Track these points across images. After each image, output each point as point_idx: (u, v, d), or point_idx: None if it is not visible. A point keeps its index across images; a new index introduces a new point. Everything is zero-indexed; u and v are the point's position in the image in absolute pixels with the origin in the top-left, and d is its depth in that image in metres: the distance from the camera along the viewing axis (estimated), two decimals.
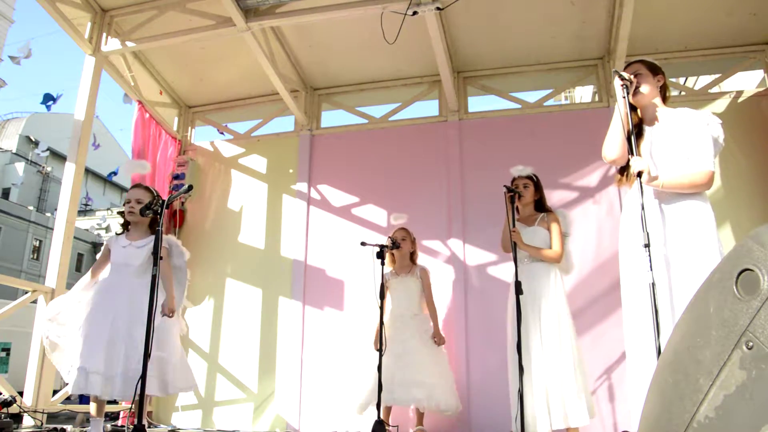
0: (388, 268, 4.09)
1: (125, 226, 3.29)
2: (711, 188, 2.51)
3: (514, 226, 3.30)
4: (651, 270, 2.23)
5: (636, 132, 2.55)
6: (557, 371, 3.16)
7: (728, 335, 1.01)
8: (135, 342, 2.81)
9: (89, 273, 3.24)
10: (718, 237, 2.41)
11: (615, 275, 4.22)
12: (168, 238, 3.30)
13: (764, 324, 0.95)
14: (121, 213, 3.30)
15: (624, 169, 2.65)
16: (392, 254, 4.10)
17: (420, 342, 3.86)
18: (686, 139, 2.51)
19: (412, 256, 4.16)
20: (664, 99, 2.68)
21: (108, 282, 3.16)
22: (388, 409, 3.81)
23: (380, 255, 3.74)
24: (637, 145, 2.53)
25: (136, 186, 3.32)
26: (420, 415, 3.84)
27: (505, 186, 3.38)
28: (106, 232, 26.71)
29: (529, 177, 3.59)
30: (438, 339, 3.92)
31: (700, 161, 2.46)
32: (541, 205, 3.62)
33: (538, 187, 3.61)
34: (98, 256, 3.33)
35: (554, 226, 3.46)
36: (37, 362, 3.79)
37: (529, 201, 3.58)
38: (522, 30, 4.62)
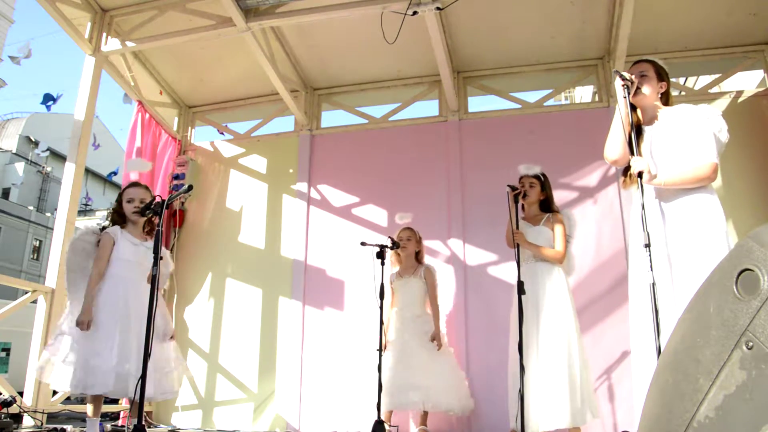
0: (396, 267, 4.09)
1: (121, 222, 3.20)
2: (715, 182, 2.49)
3: (517, 224, 3.30)
4: (651, 270, 2.23)
5: (636, 132, 2.55)
6: (556, 371, 3.16)
7: (728, 335, 1.01)
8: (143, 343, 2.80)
9: (92, 278, 3.02)
10: (727, 229, 2.37)
11: (615, 275, 4.23)
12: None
13: (764, 324, 0.95)
14: (115, 210, 3.21)
15: (627, 170, 2.65)
16: (398, 254, 4.08)
17: (419, 343, 3.81)
18: (687, 134, 2.49)
19: (418, 256, 4.12)
20: (666, 104, 2.67)
21: (117, 280, 3.06)
22: (390, 412, 3.80)
23: (380, 255, 3.73)
24: (638, 145, 2.53)
25: (136, 185, 3.28)
26: (423, 416, 3.84)
27: (508, 185, 3.38)
28: (101, 230, 26.61)
29: (536, 176, 3.55)
30: (437, 341, 3.81)
31: (702, 154, 2.43)
32: (547, 205, 3.58)
33: (544, 187, 3.57)
34: (101, 249, 3.09)
35: (558, 228, 3.45)
36: (39, 365, 3.78)
37: (534, 200, 3.55)
38: (522, 30, 4.62)
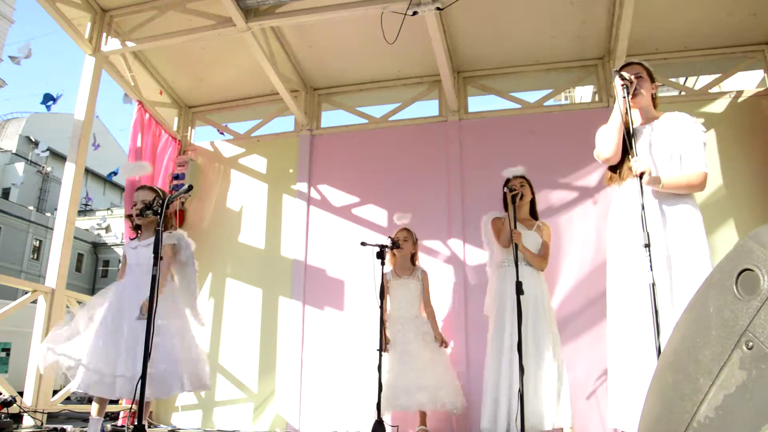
0: (388, 267, 4.09)
1: (137, 228, 3.30)
2: (708, 189, 2.54)
3: (515, 226, 3.31)
4: (651, 270, 2.23)
5: (630, 133, 2.57)
6: (549, 373, 3.24)
7: (728, 335, 1.01)
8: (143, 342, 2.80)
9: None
10: (707, 241, 2.46)
11: None
12: (176, 234, 3.28)
13: (764, 324, 0.95)
14: (129, 216, 3.31)
15: (616, 168, 2.67)
16: (393, 254, 4.09)
17: (422, 344, 3.85)
18: (680, 140, 2.55)
19: (413, 258, 4.14)
20: (654, 107, 2.73)
21: (122, 283, 3.19)
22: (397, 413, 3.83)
23: (380, 255, 3.74)
24: (633, 145, 2.55)
25: (141, 188, 3.31)
26: (423, 415, 3.84)
27: (506, 187, 3.41)
28: (106, 232, 26.74)
29: (523, 176, 3.65)
30: (442, 341, 3.91)
31: (694, 163, 2.51)
32: (533, 208, 3.73)
33: (531, 187, 3.68)
34: (120, 265, 3.41)
35: (547, 237, 3.64)
36: (37, 362, 3.79)
37: (527, 200, 3.65)
38: (522, 30, 4.62)
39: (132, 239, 3.31)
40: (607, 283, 2.60)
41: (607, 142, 2.64)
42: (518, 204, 3.52)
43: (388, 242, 3.84)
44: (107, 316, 3.00)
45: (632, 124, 2.56)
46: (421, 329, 3.92)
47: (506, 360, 3.28)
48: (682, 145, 2.55)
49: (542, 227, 3.67)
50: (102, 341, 2.91)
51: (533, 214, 3.74)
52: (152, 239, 3.04)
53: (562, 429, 3.26)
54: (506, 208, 3.54)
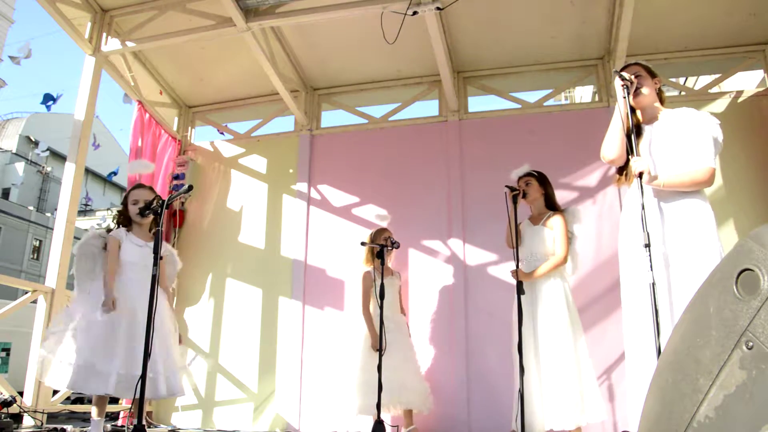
0: (366, 267, 4.11)
1: (127, 223, 3.23)
2: (712, 187, 2.50)
3: (517, 226, 3.28)
4: (651, 270, 2.23)
5: (635, 132, 2.55)
6: (554, 373, 3.17)
7: (728, 335, 1.01)
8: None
9: (107, 275, 3.01)
10: (718, 236, 2.40)
11: (615, 275, 4.21)
12: (167, 248, 3.29)
13: (764, 324, 0.95)
14: (121, 212, 3.25)
15: (623, 169, 2.66)
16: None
17: (410, 344, 4.01)
18: (686, 137, 2.51)
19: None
20: (662, 102, 2.69)
21: (125, 281, 3.07)
22: (409, 412, 3.83)
23: (380, 255, 3.74)
24: (636, 145, 2.54)
25: (141, 186, 3.27)
26: (409, 413, 3.85)
27: (506, 186, 3.37)
28: (107, 233, 26.67)
29: (529, 174, 3.54)
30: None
31: (701, 158, 2.45)
32: (550, 202, 3.55)
33: (542, 182, 3.55)
34: (110, 252, 3.09)
35: (558, 228, 3.38)
36: (37, 362, 3.78)
37: (536, 197, 3.52)
38: (522, 30, 4.61)
39: (127, 231, 3.19)
40: (621, 284, 2.59)
41: (610, 144, 2.64)
42: (527, 202, 3.51)
43: (387, 243, 3.87)
44: (120, 318, 2.95)
45: (634, 124, 2.55)
46: (407, 330, 4.05)
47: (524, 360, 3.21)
48: (687, 141, 2.50)
49: (551, 216, 3.42)
50: (99, 338, 2.89)
51: (551, 207, 3.53)
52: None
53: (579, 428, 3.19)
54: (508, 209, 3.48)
